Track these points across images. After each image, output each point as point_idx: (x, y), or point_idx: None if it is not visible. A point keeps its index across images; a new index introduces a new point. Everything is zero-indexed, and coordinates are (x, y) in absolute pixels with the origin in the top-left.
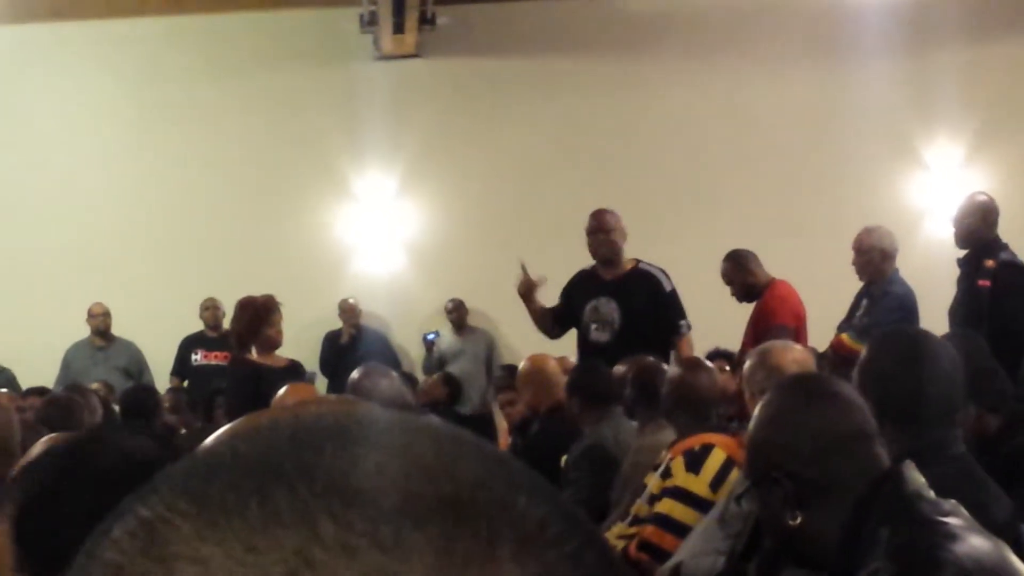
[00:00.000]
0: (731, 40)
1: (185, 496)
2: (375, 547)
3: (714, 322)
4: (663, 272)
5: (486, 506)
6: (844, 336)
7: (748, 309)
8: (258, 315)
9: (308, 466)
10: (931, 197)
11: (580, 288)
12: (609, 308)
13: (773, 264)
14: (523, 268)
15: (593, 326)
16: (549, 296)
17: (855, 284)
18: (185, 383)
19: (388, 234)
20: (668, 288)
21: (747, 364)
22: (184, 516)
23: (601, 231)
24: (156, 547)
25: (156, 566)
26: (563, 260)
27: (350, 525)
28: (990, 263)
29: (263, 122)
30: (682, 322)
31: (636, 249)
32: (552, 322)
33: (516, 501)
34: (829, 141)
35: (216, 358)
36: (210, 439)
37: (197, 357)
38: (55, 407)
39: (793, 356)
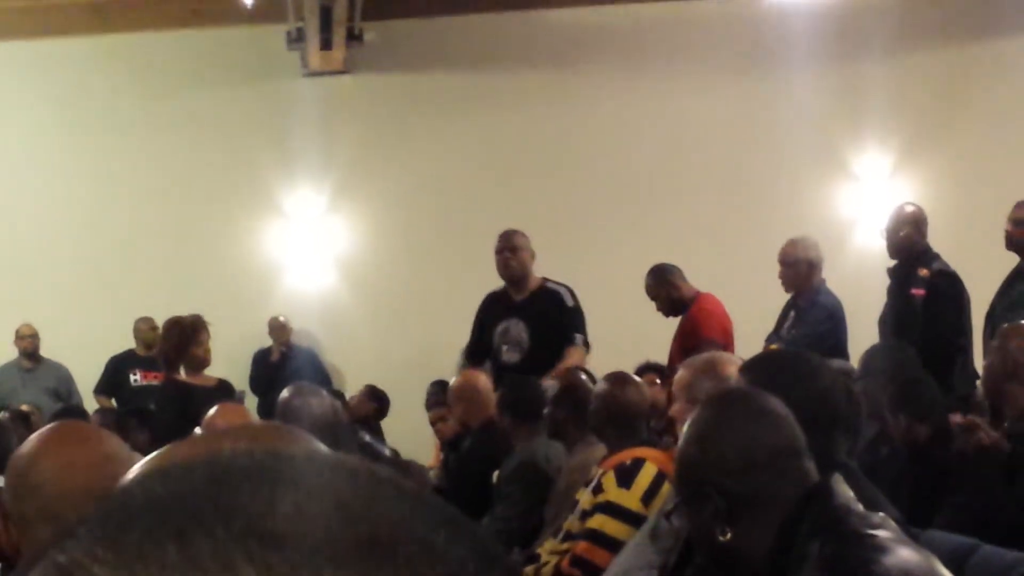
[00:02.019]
0: (659, 52)
1: (102, 542)
2: None
3: (645, 336)
4: (567, 289)
5: (406, 546)
6: (773, 348)
7: (676, 323)
8: (185, 335)
9: (226, 508)
10: (860, 207)
11: (491, 311)
12: (518, 329)
13: (702, 276)
14: None
15: (504, 347)
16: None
17: (784, 295)
18: (113, 401)
19: (318, 250)
20: (570, 304)
21: (686, 372)
22: (101, 563)
23: (507, 250)
24: None
25: None
26: (493, 275)
27: (270, 568)
28: (924, 272)
29: (191, 140)
30: (577, 335)
31: (565, 264)
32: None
33: (436, 540)
34: (758, 152)
35: (155, 378)
36: (130, 475)
37: (136, 377)
38: None
39: (736, 368)
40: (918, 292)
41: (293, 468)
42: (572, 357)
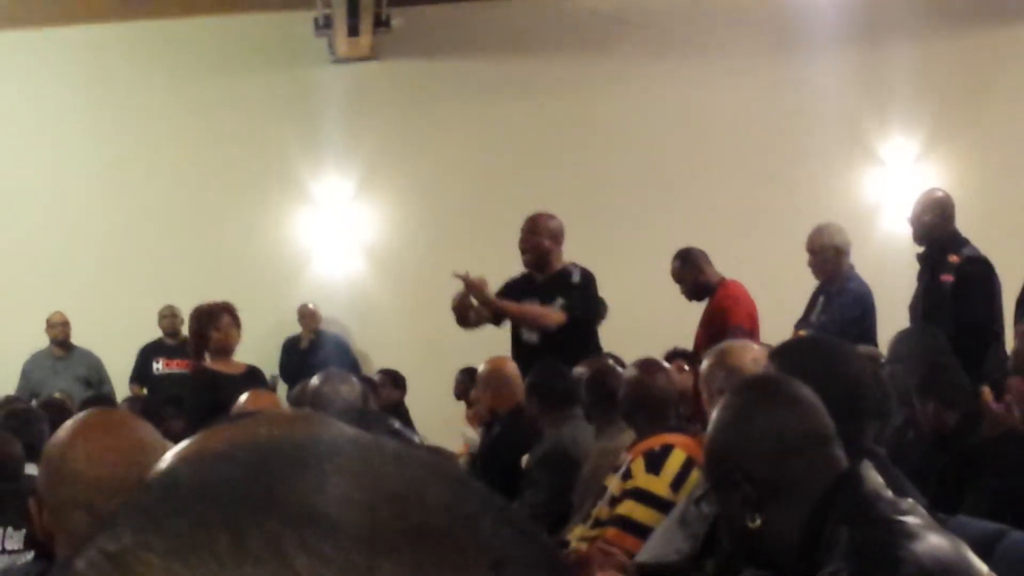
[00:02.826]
0: (685, 38)
1: (153, 530)
2: None
3: (672, 322)
4: (580, 269)
5: (455, 531)
6: (802, 334)
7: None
8: (201, 320)
9: (276, 496)
10: (886, 192)
11: (515, 290)
12: None
13: (729, 262)
14: (464, 279)
15: (523, 328)
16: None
17: (811, 281)
18: (144, 391)
19: (346, 237)
20: (575, 280)
21: (704, 364)
22: (153, 550)
23: (527, 231)
24: None
25: None
26: (520, 260)
27: (322, 556)
28: (953, 258)
29: (219, 127)
30: (563, 301)
31: (592, 249)
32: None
33: (483, 525)
34: (784, 138)
35: (178, 366)
36: (168, 462)
37: (159, 366)
38: (16, 420)
39: (752, 356)
40: (947, 279)
41: (338, 454)
42: (542, 310)
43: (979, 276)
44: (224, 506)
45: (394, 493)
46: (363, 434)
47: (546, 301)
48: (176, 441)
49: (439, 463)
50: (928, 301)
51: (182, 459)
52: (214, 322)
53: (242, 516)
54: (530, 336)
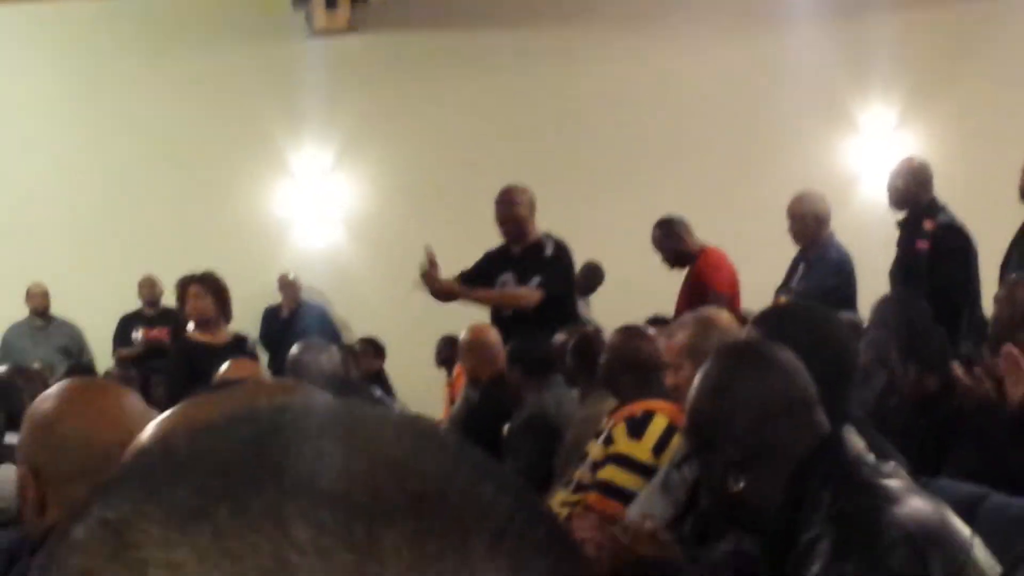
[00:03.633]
0: (663, 8)
1: (151, 499)
2: (348, 548)
3: (651, 290)
4: (553, 240)
5: (455, 499)
6: (783, 300)
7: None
8: (178, 293)
9: (274, 465)
10: (865, 160)
11: (493, 263)
12: (512, 282)
13: (709, 230)
14: (429, 258)
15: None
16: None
17: (790, 249)
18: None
19: (325, 208)
20: (548, 253)
21: (684, 334)
22: (152, 520)
23: (502, 203)
24: (125, 551)
25: (127, 572)
26: (498, 234)
27: (322, 526)
28: (929, 225)
29: (198, 99)
30: (538, 279)
31: (570, 221)
32: (455, 286)
33: (483, 492)
34: (763, 106)
35: (157, 335)
36: (159, 429)
37: (138, 335)
38: None
39: (728, 318)
40: (923, 245)
41: (338, 424)
42: (518, 292)
43: (954, 242)
44: (224, 476)
45: (393, 462)
46: (359, 403)
47: (523, 276)
48: (161, 410)
49: (436, 431)
50: (904, 267)
51: (178, 428)
52: (183, 293)
53: (242, 486)
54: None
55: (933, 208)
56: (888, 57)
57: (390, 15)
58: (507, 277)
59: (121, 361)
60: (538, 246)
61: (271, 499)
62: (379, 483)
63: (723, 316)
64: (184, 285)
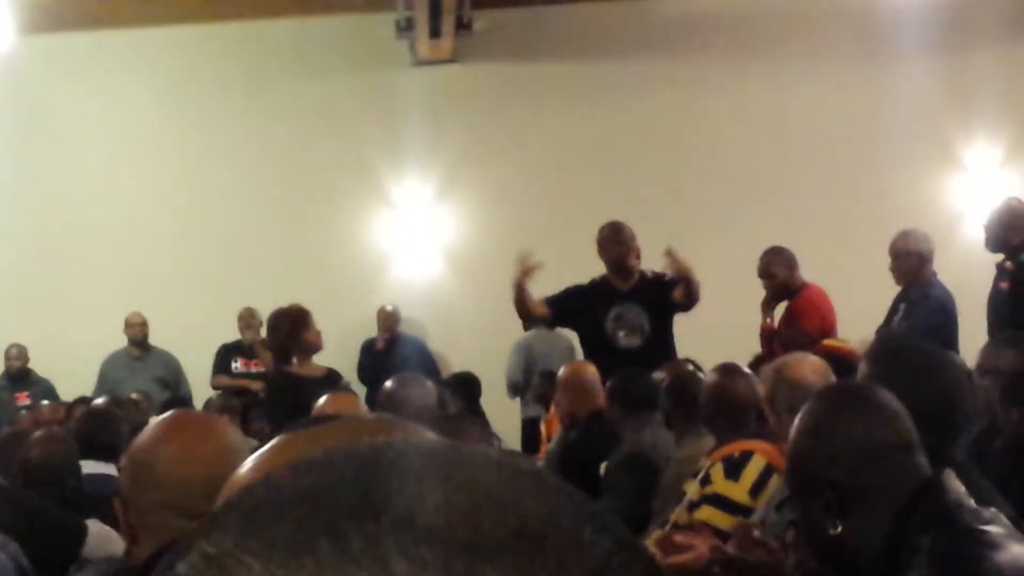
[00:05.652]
0: (769, 41)
1: (253, 534)
2: None
3: (755, 328)
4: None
5: (554, 539)
6: (896, 338)
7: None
8: (296, 322)
9: (376, 502)
10: (969, 198)
11: (594, 298)
12: (634, 313)
13: (812, 266)
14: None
15: (621, 333)
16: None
17: (893, 286)
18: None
19: (426, 240)
20: (661, 275)
21: (765, 384)
22: (254, 554)
23: (620, 242)
24: None
25: None
26: (599, 264)
27: (422, 561)
28: (1009, 265)
29: (299, 129)
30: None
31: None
32: (541, 306)
33: (582, 533)
34: (868, 142)
35: (256, 366)
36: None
37: (237, 365)
38: (94, 420)
39: (811, 367)
40: (1004, 286)
41: (438, 460)
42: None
43: None
44: (325, 511)
45: (494, 499)
46: (458, 441)
47: (648, 305)
48: (260, 441)
49: (536, 470)
50: (992, 308)
51: (279, 464)
52: (306, 322)
53: (343, 521)
54: (631, 341)
55: (1017, 248)
56: (994, 94)
57: (494, 45)
58: (622, 310)
59: (223, 390)
60: (643, 276)
61: (371, 534)
62: (479, 520)
63: (804, 363)
64: (303, 315)
